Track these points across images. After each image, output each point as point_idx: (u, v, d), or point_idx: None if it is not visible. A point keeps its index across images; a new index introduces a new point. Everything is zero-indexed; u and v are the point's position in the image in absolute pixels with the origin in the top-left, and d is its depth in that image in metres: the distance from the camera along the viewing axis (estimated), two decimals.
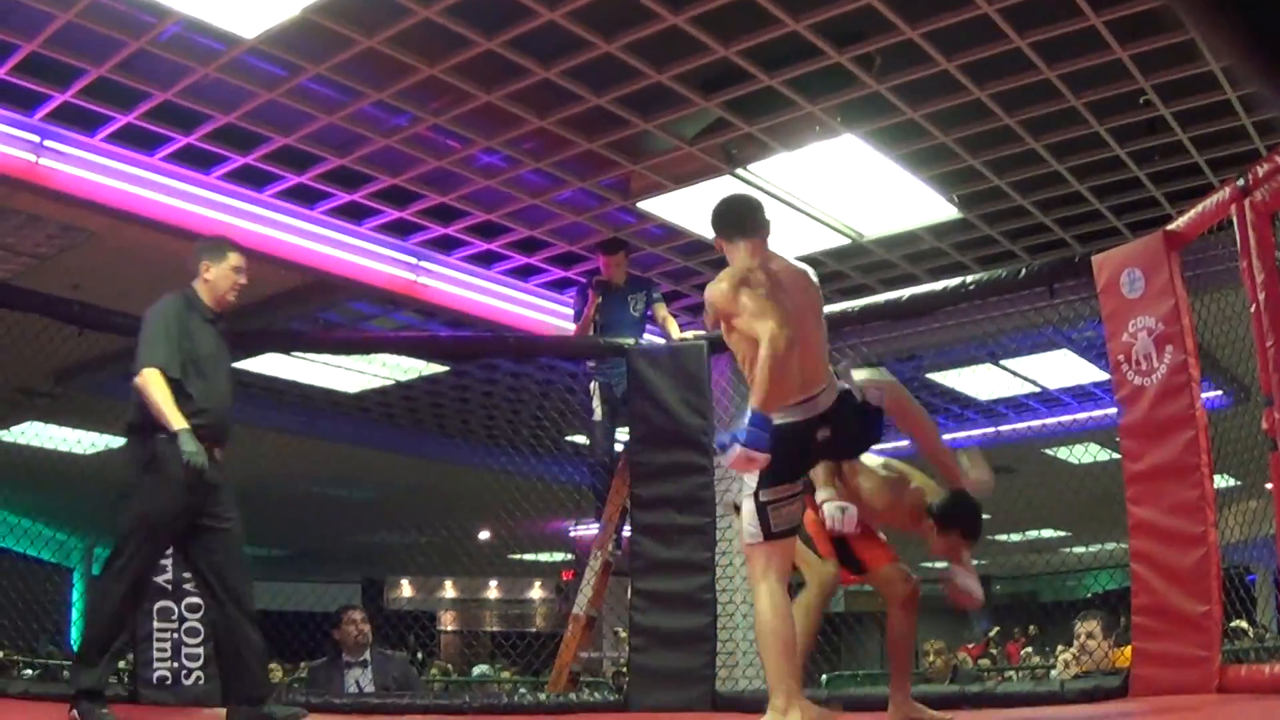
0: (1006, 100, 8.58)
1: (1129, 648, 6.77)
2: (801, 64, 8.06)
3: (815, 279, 5.90)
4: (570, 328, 10.11)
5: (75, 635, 23.09)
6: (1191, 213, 6.90)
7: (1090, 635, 9.16)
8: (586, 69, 8.09)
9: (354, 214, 10.41)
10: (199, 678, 8.17)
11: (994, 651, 21.65)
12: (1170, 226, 7.08)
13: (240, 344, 9.77)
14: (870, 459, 6.36)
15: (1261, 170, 6.11)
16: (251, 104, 8.47)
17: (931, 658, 12.63)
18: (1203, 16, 1.24)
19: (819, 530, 6.18)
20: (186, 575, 8.21)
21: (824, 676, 15.08)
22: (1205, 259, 7.19)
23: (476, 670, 21.23)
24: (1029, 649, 22.09)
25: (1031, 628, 25.10)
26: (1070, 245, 11.04)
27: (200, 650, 8.20)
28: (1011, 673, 17.94)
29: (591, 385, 9.58)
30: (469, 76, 8.13)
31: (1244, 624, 13.69)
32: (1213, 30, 1.24)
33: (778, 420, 5.08)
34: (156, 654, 8.09)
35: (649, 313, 9.97)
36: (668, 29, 7.54)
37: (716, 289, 5.29)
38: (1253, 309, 6.13)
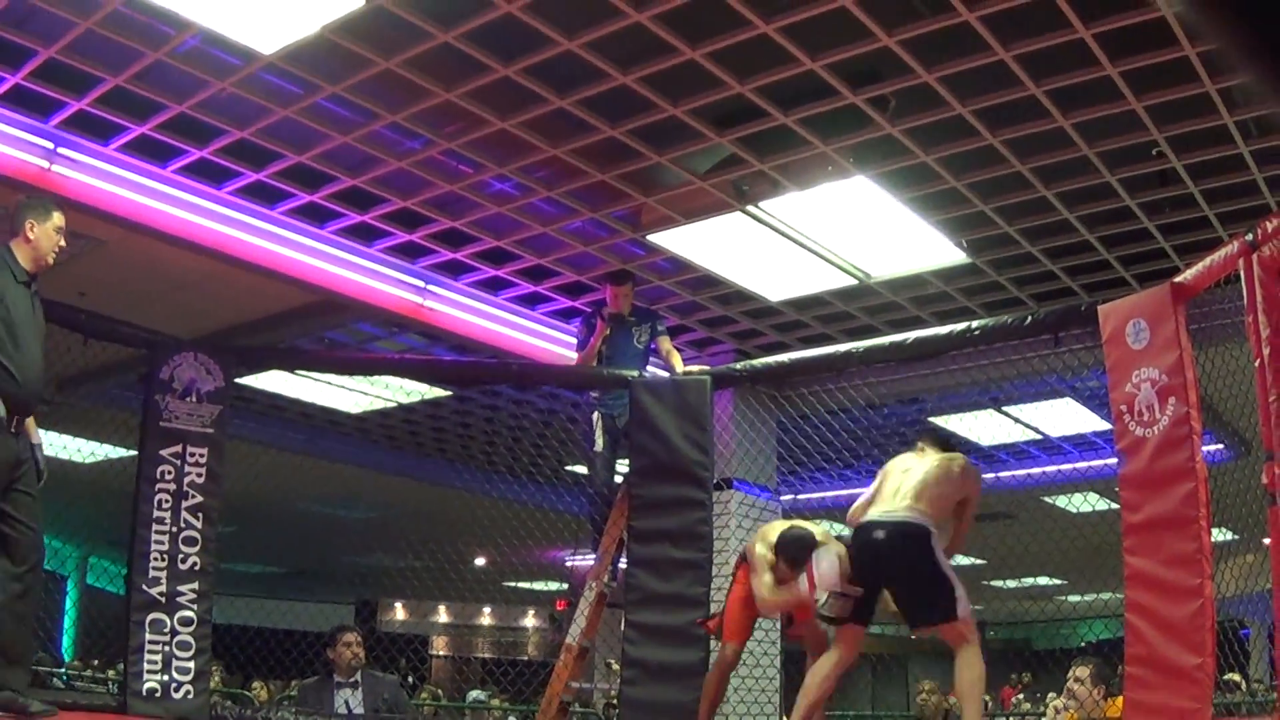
0: (1019, 147, 8.59)
1: (1120, 698, 6.76)
2: (816, 103, 8.07)
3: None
4: (573, 356, 10.12)
5: (67, 643, 23.09)
6: (1199, 265, 6.91)
7: (1078, 680, 9.14)
8: (601, 100, 8.10)
9: (363, 235, 10.42)
10: (189, 692, 8.16)
11: (987, 697, 21.60)
12: (1178, 279, 7.09)
13: (245, 359, 9.83)
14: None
15: (1271, 225, 6.12)
16: (266, 120, 8.48)
17: (924, 698, 12.63)
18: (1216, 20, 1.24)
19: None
20: (181, 589, 8.23)
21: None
22: (1210, 312, 7.20)
23: (471, 695, 21.16)
24: (1021, 696, 22.05)
25: (1026, 675, 25.07)
26: (1077, 294, 11.04)
27: (191, 664, 8.20)
28: (1002, 718, 17.92)
29: (594, 416, 9.59)
30: (484, 102, 8.14)
31: (1237, 677, 13.66)
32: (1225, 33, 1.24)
33: None
34: (147, 666, 8.08)
35: (653, 345, 9.98)
36: (684, 63, 7.54)
37: None
38: (1257, 363, 6.14)
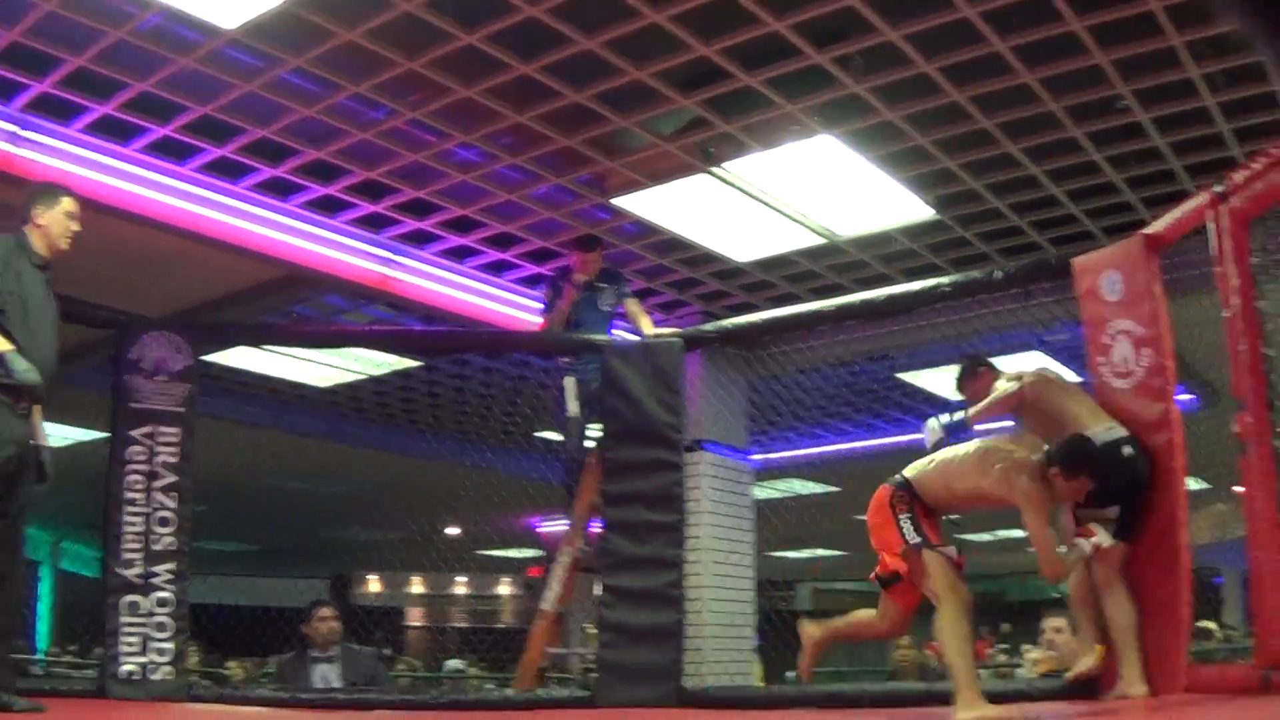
0: (985, 103, 8.59)
1: (1099, 647, 6.79)
2: (781, 63, 8.05)
3: None
4: (540, 322, 10.10)
5: (44, 630, 23.05)
6: (1169, 217, 6.93)
7: (1058, 630, 9.19)
8: (566, 65, 8.06)
9: (329, 207, 10.37)
10: (167, 673, 8.15)
11: (1007, 646, 21.69)
12: (1149, 229, 7.11)
13: (213, 337, 9.79)
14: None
15: (1239, 177, 6.13)
16: (229, 96, 8.42)
17: (902, 654, 12.69)
18: None
19: None
20: (156, 569, 8.21)
21: (789, 674, 15.11)
22: (1178, 264, 7.22)
23: (449, 665, 21.20)
24: (998, 647, 22.15)
25: (1005, 625, 25.20)
26: (1044, 248, 11.06)
27: (169, 645, 8.19)
28: (980, 671, 18.01)
29: (566, 381, 9.57)
30: (448, 71, 8.10)
31: (1212, 624, 13.77)
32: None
33: None
34: (124, 649, 8.07)
35: (619, 309, 9.97)
36: (648, 26, 7.51)
37: None
38: (1227, 314, 6.16)
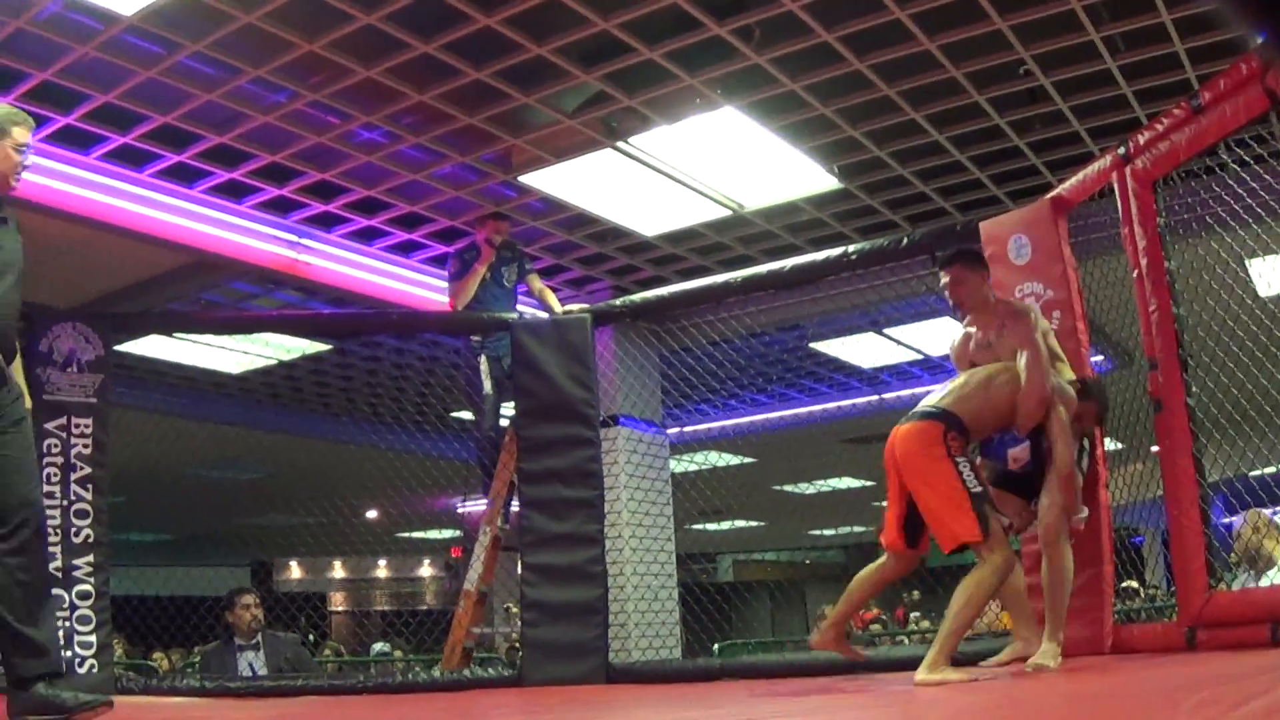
0: (886, 71, 8.64)
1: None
2: (681, 36, 8.07)
3: None
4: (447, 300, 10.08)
5: None
6: (1075, 179, 7.00)
7: None
8: (466, 43, 8.05)
9: (233, 192, 10.30)
10: (93, 666, 8.09)
11: (884, 617, 21.86)
12: (1055, 192, 7.17)
13: (123, 326, 9.69)
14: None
15: (1143, 138, 6.20)
16: (130, 83, 8.35)
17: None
18: None
19: None
20: (77, 563, 8.13)
21: (715, 646, 15.20)
22: (1086, 226, 7.29)
23: (376, 648, 21.15)
24: (916, 613, 22.33)
25: (915, 593, 25.36)
26: (950, 214, 11.15)
27: (93, 639, 8.12)
28: (903, 637, 18.17)
29: (480, 360, 9.55)
30: (348, 52, 8.07)
31: (1134, 584, 13.94)
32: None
33: None
34: None
35: (521, 285, 9.98)
36: (548, 2, 7.51)
37: None
38: (1135, 274, 6.24)
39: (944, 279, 6.55)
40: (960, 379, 6.29)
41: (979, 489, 5.79)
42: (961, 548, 5.77)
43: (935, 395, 6.24)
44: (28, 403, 5.63)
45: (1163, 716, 2.91)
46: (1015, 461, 6.62)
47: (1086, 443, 6.54)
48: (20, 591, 5.12)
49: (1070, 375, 6.46)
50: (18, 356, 5.62)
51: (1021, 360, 6.10)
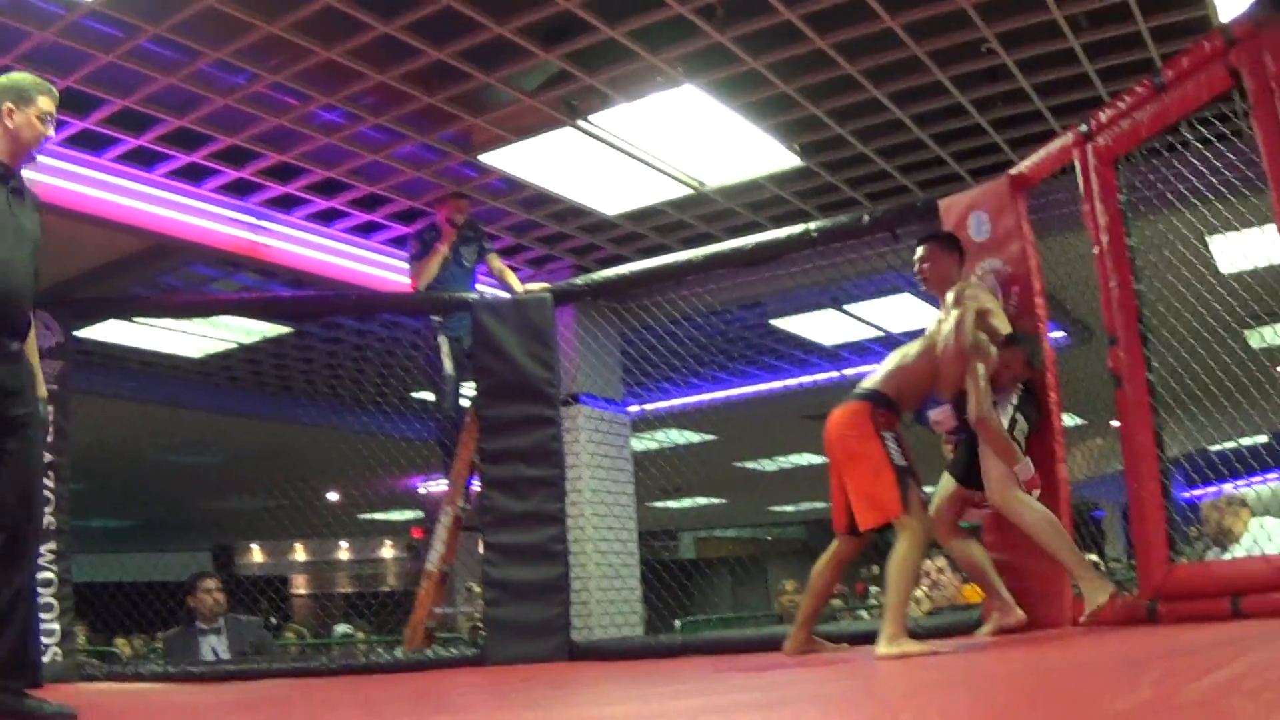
0: (848, 49, 8.64)
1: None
2: (643, 15, 8.05)
3: None
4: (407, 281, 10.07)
5: None
6: (1035, 157, 7.03)
7: (940, 570, 9.33)
8: (427, 23, 8.02)
9: (193, 175, 10.24)
10: (56, 654, 8.08)
11: (844, 591, 21.90)
12: (1015, 170, 7.20)
13: (82, 312, 9.65)
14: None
15: (1104, 116, 6.23)
16: (89, 68, 8.29)
17: (789, 598, 12.81)
18: None
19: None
20: (39, 550, 8.10)
21: (677, 622, 15.24)
22: (1048, 203, 7.32)
23: (339, 629, 21.12)
24: (876, 588, 22.36)
25: (875, 567, 25.43)
26: (912, 191, 11.17)
27: (55, 626, 8.11)
28: (864, 612, 18.22)
29: (440, 340, 9.55)
30: (308, 33, 8.03)
31: (1094, 557, 14.02)
32: None
33: None
34: None
35: (481, 266, 9.98)
36: None
37: None
38: (1096, 251, 6.27)
39: (918, 252, 6.71)
40: (887, 359, 6.65)
41: (903, 463, 6.12)
42: (880, 529, 6.19)
43: (866, 379, 6.57)
44: (42, 389, 5.41)
45: (1125, 688, 2.94)
46: (937, 425, 6.77)
47: (1020, 394, 6.59)
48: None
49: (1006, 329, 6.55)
50: (31, 332, 5.38)
51: (945, 326, 6.26)
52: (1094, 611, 6.01)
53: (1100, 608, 5.99)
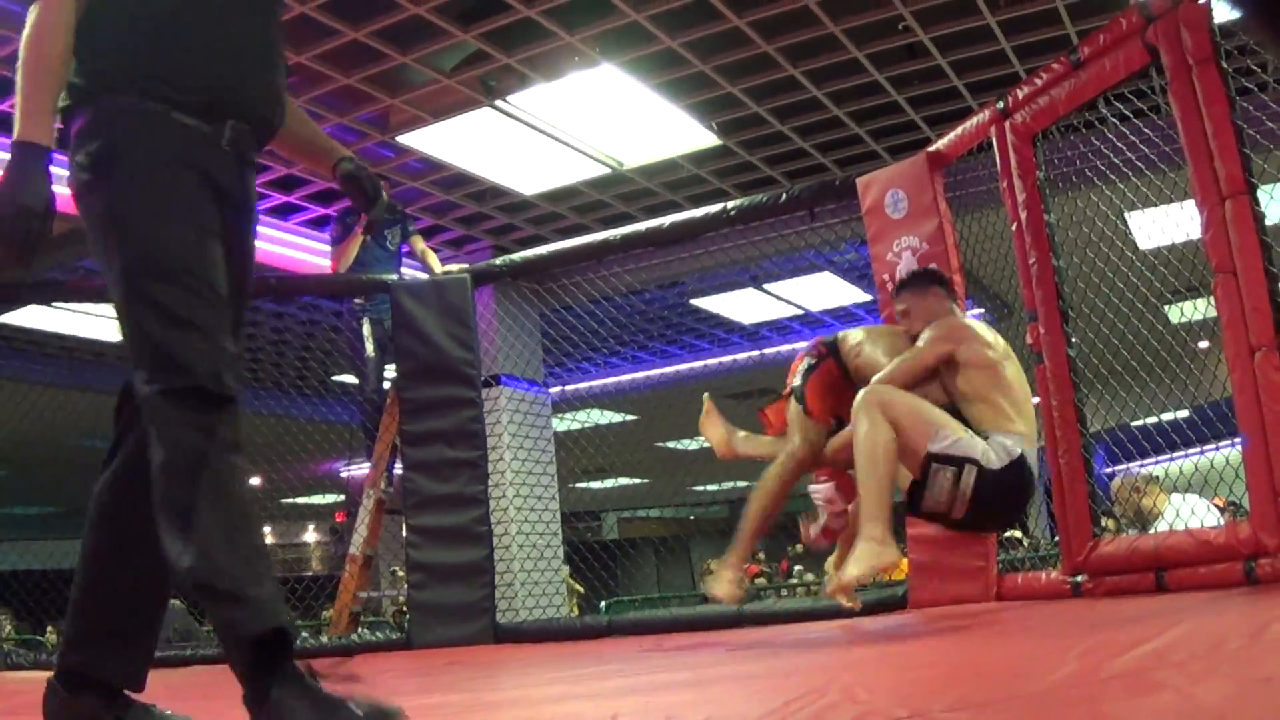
0: (765, 27, 8.66)
1: (904, 560, 6.92)
2: None
3: None
4: (327, 265, 10.01)
5: None
6: (952, 134, 7.04)
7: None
8: (344, 2, 7.98)
9: None
10: None
11: (768, 569, 21.98)
12: (932, 148, 7.22)
13: (1, 297, 9.52)
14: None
15: (1022, 93, 6.26)
16: (5, 50, 8.21)
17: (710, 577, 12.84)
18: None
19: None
20: None
21: (602, 603, 15.25)
22: (965, 180, 7.35)
23: None
24: (799, 566, 22.45)
25: (798, 545, 25.53)
26: (830, 170, 11.22)
27: None
28: (786, 590, 18.29)
29: (363, 323, 9.51)
30: None
31: (1018, 533, 14.14)
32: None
33: None
34: None
35: (405, 247, 9.93)
36: None
37: None
38: (1014, 227, 6.30)
39: (898, 308, 6.34)
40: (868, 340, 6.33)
41: (796, 385, 5.99)
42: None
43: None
44: None
45: (1053, 662, 2.95)
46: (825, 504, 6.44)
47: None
48: None
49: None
50: None
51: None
52: (858, 574, 5.14)
53: (870, 572, 5.21)
